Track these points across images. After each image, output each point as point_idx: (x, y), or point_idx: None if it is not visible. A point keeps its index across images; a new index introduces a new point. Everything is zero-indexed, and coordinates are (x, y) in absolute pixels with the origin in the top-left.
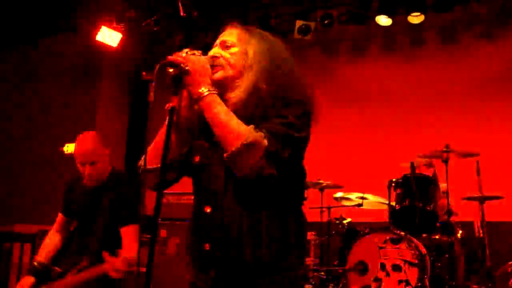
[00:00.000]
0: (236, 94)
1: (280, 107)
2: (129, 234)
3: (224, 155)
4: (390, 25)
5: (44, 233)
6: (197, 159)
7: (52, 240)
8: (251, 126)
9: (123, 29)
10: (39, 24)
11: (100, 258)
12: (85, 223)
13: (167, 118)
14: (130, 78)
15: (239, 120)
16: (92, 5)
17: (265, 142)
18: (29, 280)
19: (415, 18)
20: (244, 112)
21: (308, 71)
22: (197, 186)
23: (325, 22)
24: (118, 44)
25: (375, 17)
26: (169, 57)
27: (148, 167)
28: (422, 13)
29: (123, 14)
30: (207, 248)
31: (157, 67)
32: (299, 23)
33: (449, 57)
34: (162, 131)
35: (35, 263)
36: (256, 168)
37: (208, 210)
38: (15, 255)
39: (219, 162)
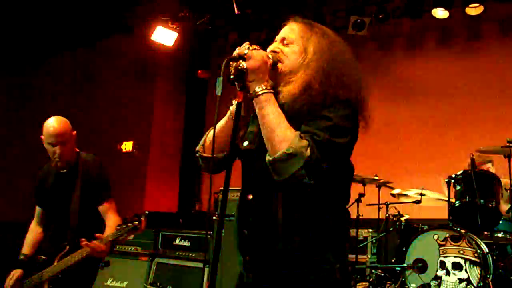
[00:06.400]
0: (288, 89)
1: (326, 106)
2: (108, 209)
3: (266, 158)
4: (447, 18)
5: None
6: (245, 144)
7: (33, 232)
8: (297, 133)
9: (178, 28)
10: (97, 26)
11: (79, 240)
12: (59, 209)
13: (230, 111)
14: (185, 76)
15: (288, 125)
16: (148, 6)
17: (307, 153)
18: (17, 272)
19: (473, 10)
20: (292, 107)
21: (363, 67)
22: (243, 173)
23: (380, 16)
24: (173, 43)
25: (431, 10)
26: (235, 52)
27: (206, 154)
28: (480, 4)
29: (177, 14)
30: (246, 234)
31: (224, 62)
32: (353, 18)
33: (509, 50)
34: (223, 121)
35: (22, 257)
36: (294, 177)
37: (250, 197)
38: None
39: (262, 151)
